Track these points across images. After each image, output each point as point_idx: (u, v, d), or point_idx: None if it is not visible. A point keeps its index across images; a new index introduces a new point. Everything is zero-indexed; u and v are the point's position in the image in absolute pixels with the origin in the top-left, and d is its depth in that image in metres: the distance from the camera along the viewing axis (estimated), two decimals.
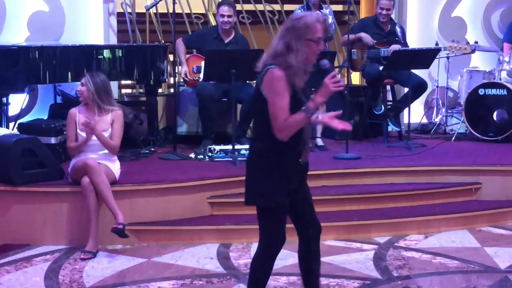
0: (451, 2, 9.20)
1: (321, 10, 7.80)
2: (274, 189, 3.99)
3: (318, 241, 4.36)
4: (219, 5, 7.73)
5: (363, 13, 10.30)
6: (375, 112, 8.11)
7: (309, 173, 6.65)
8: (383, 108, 8.08)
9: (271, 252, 4.19)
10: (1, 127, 6.61)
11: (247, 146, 7.16)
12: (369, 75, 8.04)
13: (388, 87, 8.37)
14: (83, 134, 5.74)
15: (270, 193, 4.01)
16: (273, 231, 4.16)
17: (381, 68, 7.87)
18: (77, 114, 5.84)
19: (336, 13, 9.08)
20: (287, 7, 10.34)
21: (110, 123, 5.85)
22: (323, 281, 5.05)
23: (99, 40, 7.90)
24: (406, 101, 8.00)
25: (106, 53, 7.05)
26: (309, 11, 7.63)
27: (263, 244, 4.19)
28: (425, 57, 7.80)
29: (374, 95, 8.16)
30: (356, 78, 10.35)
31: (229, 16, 7.58)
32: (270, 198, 4.02)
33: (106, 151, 5.85)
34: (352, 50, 8.14)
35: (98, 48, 7.17)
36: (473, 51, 8.54)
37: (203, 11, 9.79)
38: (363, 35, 8.02)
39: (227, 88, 7.27)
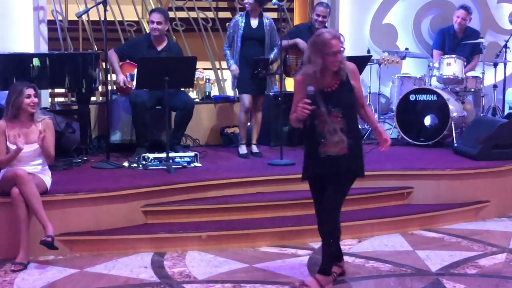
0: (382, 9, 9.33)
1: (263, 19, 7.79)
2: (304, 167, 5.05)
3: (325, 219, 5.00)
4: (150, 12, 7.69)
5: (297, 21, 10.36)
6: None
7: (243, 179, 6.77)
8: None
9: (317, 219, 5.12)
10: None
11: (181, 154, 7.15)
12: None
13: None
14: (13, 147, 5.64)
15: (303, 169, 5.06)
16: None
17: None
18: (5, 126, 5.72)
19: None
20: (221, 14, 10.38)
21: (42, 132, 5.74)
22: (258, 287, 5.08)
23: (29, 48, 7.76)
24: None
25: (36, 61, 6.94)
26: (247, 18, 7.67)
27: None
28: (357, 64, 7.83)
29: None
30: (290, 85, 10.40)
31: (158, 23, 7.53)
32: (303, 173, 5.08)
33: (37, 161, 5.76)
34: (287, 56, 8.17)
35: (28, 56, 7.06)
36: (403, 58, 8.69)
37: (135, 19, 9.71)
38: (299, 41, 8.06)
39: (161, 95, 7.25)
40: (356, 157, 4.89)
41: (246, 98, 7.73)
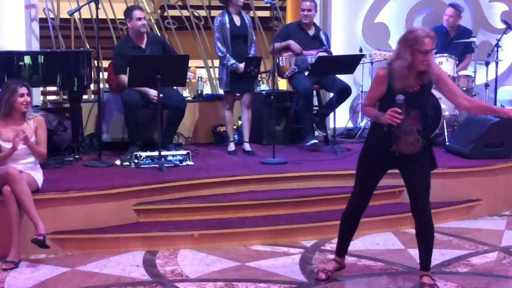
0: (374, 8, 9.34)
1: (243, 16, 7.82)
2: (363, 162, 5.05)
3: (422, 224, 4.99)
4: (130, 10, 7.60)
5: (289, 19, 10.34)
6: (306, 144, 8.01)
7: (235, 178, 6.77)
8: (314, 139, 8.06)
9: (349, 209, 5.19)
10: None
11: (173, 152, 7.14)
12: (301, 90, 8.03)
13: (314, 92, 8.41)
14: (7, 146, 5.62)
15: (360, 161, 5.08)
16: (355, 193, 5.17)
17: (306, 73, 7.95)
18: None
19: (262, 19, 9.18)
20: (214, 13, 10.33)
21: (34, 130, 5.75)
22: (250, 286, 5.07)
23: (20, 46, 7.74)
24: (332, 106, 8.08)
25: (27, 59, 6.92)
26: (230, 17, 7.67)
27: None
28: (349, 62, 7.91)
29: (306, 115, 8.10)
30: (283, 83, 10.41)
31: (144, 18, 7.54)
32: (358, 165, 5.09)
33: (29, 159, 5.74)
34: (280, 57, 8.17)
35: (19, 54, 7.03)
36: None
37: None
38: (291, 42, 8.07)
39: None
40: (428, 154, 4.90)
41: (231, 97, 7.81)
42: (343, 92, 8.00)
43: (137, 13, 7.49)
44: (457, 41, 8.84)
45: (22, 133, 5.59)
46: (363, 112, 4.99)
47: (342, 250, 5.26)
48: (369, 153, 4.99)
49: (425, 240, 5.01)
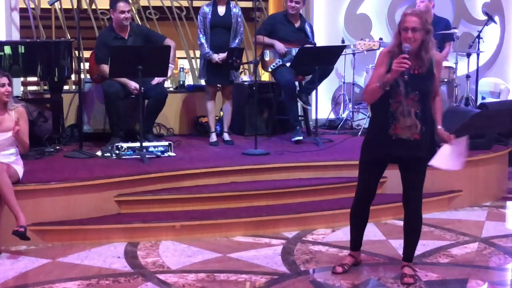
0: None
1: (230, 6, 7.80)
2: (363, 149, 5.01)
3: (409, 214, 5.12)
4: (115, 2, 7.50)
5: (271, 10, 10.35)
6: (292, 139, 7.98)
7: (217, 169, 6.77)
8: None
9: (354, 200, 5.18)
10: None
11: (155, 143, 7.13)
12: (284, 83, 8.01)
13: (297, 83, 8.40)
14: None
15: (361, 151, 5.02)
16: (358, 183, 5.15)
17: (288, 64, 7.95)
18: None
19: (244, 10, 9.13)
20: (196, 3, 10.33)
21: (15, 121, 5.70)
22: (232, 277, 5.08)
23: (0, 36, 7.69)
24: (313, 82, 8.01)
25: (7, 49, 6.90)
26: (214, 7, 7.67)
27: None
28: (331, 54, 7.90)
29: (292, 106, 8.09)
30: (265, 74, 10.41)
31: (128, 12, 7.48)
32: (361, 155, 5.03)
33: (10, 150, 5.70)
34: (264, 51, 8.15)
35: None
36: (378, 48, 8.71)
37: (108, 7, 9.64)
38: (276, 43, 8.02)
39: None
40: (428, 145, 4.88)
41: (212, 88, 7.84)
42: (325, 70, 7.99)
43: (121, 6, 7.43)
44: (436, 32, 8.84)
45: (15, 126, 5.57)
46: (365, 96, 4.99)
47: (355, 243, 5.27)
48: (369, 140, 5.01)
49: (412, 232, 5.08)
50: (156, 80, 7.40)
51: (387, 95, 4.74)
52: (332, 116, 9.43)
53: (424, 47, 4.73)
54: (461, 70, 8.90)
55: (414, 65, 4.74)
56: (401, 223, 6.42)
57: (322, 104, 8.42)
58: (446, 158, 4.90)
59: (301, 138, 7.89)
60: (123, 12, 7.41)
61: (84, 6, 8.75)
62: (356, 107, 9.03)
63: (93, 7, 9.31)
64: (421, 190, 5.03)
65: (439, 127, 4.92)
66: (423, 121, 4.77)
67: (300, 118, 8.27)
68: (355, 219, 5.20)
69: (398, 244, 5.81)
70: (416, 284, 4.95)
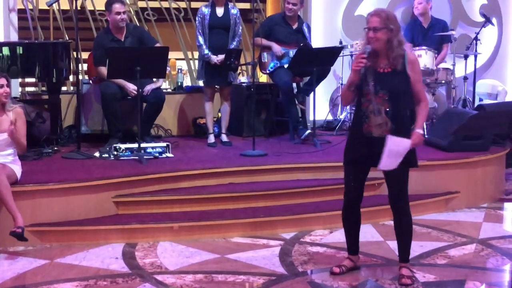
0: (354, 1, 9.35)
1: (229, 8, 7.81)
2: (345, 150, 5.09)
3: (399, 217, 5.07)
4: (110, 3, 7.48)
5: (269, 11, 10.35)
6: (301, 137, 8.00)
7: (215, 170, 6.77)
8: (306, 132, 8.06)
9: (343, 203, 5.18)
10: None
11: (153, 144, 7.14)
12: (282, 84, 8.04)
13: (295, 84, 8.41)
14: None
15: (344, 152, 5.10)
16: (344, 186, 5.17)
17: (286, 65, 7.96)
18: None
19: (242, 11, 9.13)
20: (194, 4, 10.30)
21: (13, 121, 5.70)
22: (229, 278, 5.08)
23: None
24: (311, 84, 8.01)
25: (5, 50, 6.89)
26: (213, 8, 7.68)
27: None
28: (329, 55, 7.91)
29: (290, 108, 8.14)
30: (263, 75, 10.42)
31: (124, 13, 7.46)
32: (343, 156, 5.11)
33: (8, 151, 5.72)
34: (263, 53, 8.17)
35: None
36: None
37: None
38: (274, 45, 8.05)
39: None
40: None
41: (211, 89, 7.86)
42: (322, 71, 8.00)
43: (116, 7, 7.40)
44: (433, 34, 8.87)
45: (10, 126, 5.58)
46: (342, 97, 5.17)
47: (351, 247, 5.26)
48: (348, 140, 5.09)
49: (403, 233, 5.06)
50: (149, 87, 7.38)
51: (360, 93, 4.84)
52: (330, 117, 9.42)
53: (390, 46, 4.76)
54: (459, 72, 8.91)
55: (383, 64, 4.82)
56: None
57: (320, 106, 8.42)
58: (389, 156, 4.85)
59: (309, 131, 7.90)
60: (118, 13, 7.39)
61: (82, 7, 8.72)
62: (353, 108, 9.01)
63: (91, 8, 9.29)
64: (404, 188, 4.98)
65: (417, 130, 4.85)
66: (394, 119, 4.79)
67: (300, 119, 8.30)
68: (346, 222, 5.20)
69: (395, 245, 5.78)
70: (414, 285, 4.95)
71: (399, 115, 4.82)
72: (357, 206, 5.13)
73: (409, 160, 4.88)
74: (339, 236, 6.07)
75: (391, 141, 4.74)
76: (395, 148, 4.76)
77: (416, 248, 5.75)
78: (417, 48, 8.53)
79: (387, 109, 4.77)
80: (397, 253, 5.34)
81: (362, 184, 5.12)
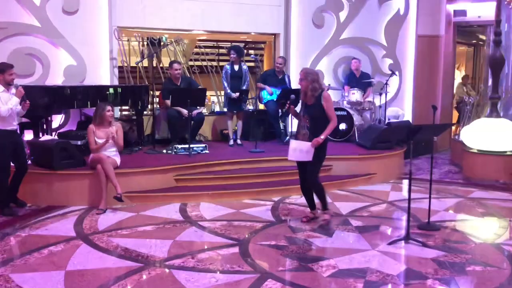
0: (316, 60, 9.28)
1: (241, 64, 7.79)
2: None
3: (310, 183, 5.01)
4: (171, 63, 7.51)
5: (266, 67, 10.32)
6: (284, 141, 7.87)
7: (234, 160, 6.74)
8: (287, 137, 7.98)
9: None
10: (48, 134, 6.38)
11: (196, 145, 7.14)
12: (271, 111, 7.96)
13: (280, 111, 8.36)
14: (100, 141, 5.63)
15: None
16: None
17: (274, 99, 7.94)
18: (94, 128, 5.71)
19: (249, 67, 9.12)
20: (221, 63, 10.30)
21: (116, 132, 5.74)
22: (242, 223, 5.07)
23: (107, 82, 7.70)
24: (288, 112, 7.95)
25: (111, 90, 6.90)
26: (232, 65, 7.67)
27: None
28: (299, 93, 7.86)
29: (275, 124, 8.05)
30: (261, 106, 10.41)
31: (179, 69, 7.43)
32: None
33: (112, 149, 5.75)
34: (261, 92, 8.13)
35: (106, 87, 6.99)
36: (327, 90, 8.67)
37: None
38: (267, 88, 8.00)
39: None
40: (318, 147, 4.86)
41: (231, 113, 7.81)
42: (296, 101, 7.95)
43: (175, 66, 7.43)
44: (362, 81, 8.87)
45: (111, 134, 5.60)
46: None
47: (309, 205, 5.22)
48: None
49: (316, 193, 5.08)
50: (195, 111, 7.34)
51: (298, 117, 4.97)
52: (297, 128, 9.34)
53: (310, 89, 4.81)
54: (377, 102, 8.90)
55: (310, 99, 4.84)
56: (341, 192, 6.50)
57: (295, 122, 8.36)
58: (292, 152, 4.91)
59: (288, 137, 7.81)
60: (176, 69, 7.39)
61: (155, 65, 8.73)
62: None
63: (161, 66, 9.29)
64: (311, 170, 4.94)
65: (320, 136, 4.84)
66: (312, 132, 4.86)
67: (282, 130, 8.29)
68: (303, 191, 5.19)
69: (339, 205, 5.83)
70: (329, 220, 5.08)
71: (316, 130, 4.86)
72: (305, 182, 5.06)
73: (317, 155, 4.89)
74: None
75: (293, 143, 4.88)
76: (297, 147, 4.85)
77: (351, 206, 5.76)
78: (352, 89, 8.54)
79: (308, 126, 4.87)
80: (341, 209, 5.33)
81: (304, 169, 5.01)
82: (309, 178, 4.96)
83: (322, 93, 4.84)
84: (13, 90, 5.28)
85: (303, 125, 4.87)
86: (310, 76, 4.83)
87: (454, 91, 11.42)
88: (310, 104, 4.85)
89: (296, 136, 4.98)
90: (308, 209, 5.34)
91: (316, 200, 5.21)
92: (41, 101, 6.18)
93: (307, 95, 4.84)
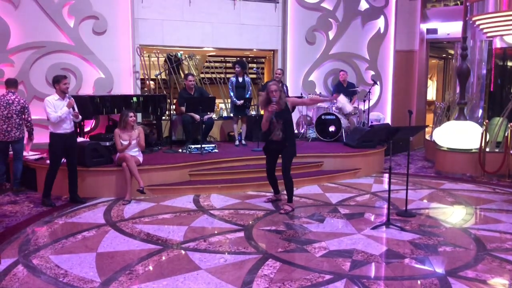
0: (308, 73, 9.29)
1: (245, 76, 7.79)
2: (264, 146, 5.13)
3: (284, 177, 5.02)
4: (186, 75, 7.53)
5: (266, 78, 10.32)
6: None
7: (239, 158, 6.70)
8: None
9: (266, 171, 5.22)
10: (81, 137, 6.39)
11: (207, 145, 7.12)
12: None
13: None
14: (125, 142, 5.63)
15: (263, 147, 5.14)
16: (266, 163, 5.19)
17: None
18: (119, 132, 5.71)
19: (252, 79, 9.12)
20: (228, 75, 10.31)
21: (138, 134, 5.74)
22: (246, 212, 5.06)
23: (131, 92, 7.71)
24: None
25: (135, 99, 6.91)
26: (236, 78, 7.66)
27: None
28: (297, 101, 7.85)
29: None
30: (262, 111, 10.35)
31: (193, 81, 7.43)
32: (263, 149, 5.15)
33: (136, 149, 5.74)
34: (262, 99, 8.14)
35: (130, 96, 7.00)
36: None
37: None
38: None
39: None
40: (287, 144, 4.98)
41: (236, 117, 7.79)
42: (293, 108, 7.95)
43: (189, 77, 7.43)
44: (349, 89, 8.86)
45: (136, 137, 5.61)
46: (262, 126, 4.98)
47: (274, 190, 5.40)
48: (266, 142, 5.16)
49: (287, 186, 5.09)
50: (206, 116, 7.38)
51: (271, 122, 4.97)
52: (296, 131, 9.34)
53: (280, 98, 4.92)
54: (362, 108, 8.88)
55: (278, 107, 4.93)
56: (331, 185, 6.49)
57: None
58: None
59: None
60: (190, 81, 7.41)
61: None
62: (308, 126, 9.00)
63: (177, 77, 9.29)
64: (288, 164, 5.04)
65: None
66: (283, 132, 4.95)
67: None
68: (269, 180, 5.31)
69: (329, 196, 5.81)
70: (291, 211, 5.04)
71: (288, 130, 5.00)
72: (272, 172, 5.23)
73: (288, 150, 5.02)
74: (300, 191, 6.07)
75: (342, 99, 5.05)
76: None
77: (338, 197, 5.75)
78: (340, 97, 8.52)
79: (281, 128, 4.95)
80: (331, 199, 5.33)
81: (274, 162, 5.17)
82: (285, 172, 5.04)
83: (287, 100, 5.07)
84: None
85: (277, 128, 4.97)
86: (280, 88, 5.02)
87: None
88: (281, 110, 4.97)
89: (271, 136, 5.01)
90: (301, 200, 5.30)
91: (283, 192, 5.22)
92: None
93: (280, 103, 4.95)
